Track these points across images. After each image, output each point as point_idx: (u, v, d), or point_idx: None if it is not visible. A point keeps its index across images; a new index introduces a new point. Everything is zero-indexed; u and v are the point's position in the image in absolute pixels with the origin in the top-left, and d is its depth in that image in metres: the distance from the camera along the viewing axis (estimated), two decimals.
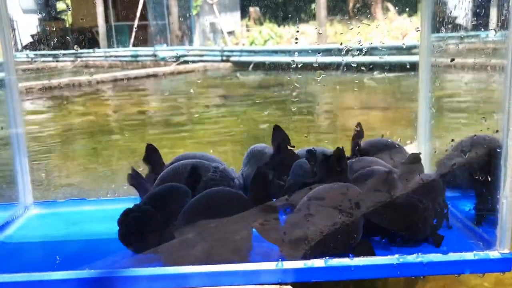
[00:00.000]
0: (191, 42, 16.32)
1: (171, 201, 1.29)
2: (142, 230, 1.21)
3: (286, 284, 1.15)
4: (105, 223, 1.49)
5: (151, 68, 9.29)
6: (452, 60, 1.51)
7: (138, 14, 13.69)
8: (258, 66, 9.28)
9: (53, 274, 1.11)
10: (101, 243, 1.35)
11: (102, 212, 1.59)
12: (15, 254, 1.31)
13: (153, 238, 1.21)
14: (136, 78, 8.28)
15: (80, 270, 1.12)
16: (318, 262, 1.16)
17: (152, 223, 1.22)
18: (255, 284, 1.15)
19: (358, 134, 1.61)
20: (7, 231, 1.44)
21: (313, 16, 15.11)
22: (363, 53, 1.46)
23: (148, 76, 8.59)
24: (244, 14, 16.98)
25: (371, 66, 1.43)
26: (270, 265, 1.16)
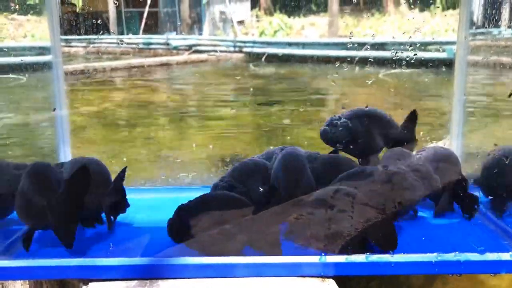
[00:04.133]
0: (200, 31, 16.29)
1: None
2: None
3: (328, 277, 1.18)
4: (147, 211, 1.55)
5: (164, 56, 9.29)
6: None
7: (149, 0, 13.65)
8: (271, 57, 9.28)
9: (106, 260, 1.15)
10: (145, 231, 1.39)
11: (143, 201, 1.64)
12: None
13: None
14: (150, 66, 8.31)
15: (131, 257, 1.16)
16: (360, 257, 1.19)
17: None
18: (297, 276, 1.18)
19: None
20: None
21: (324, 8, 15.05)
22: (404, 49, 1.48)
23: (162, 64, 8.60)
24: (255, 3, 16.91)
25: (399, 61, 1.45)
26: (313, 258, 1.19)
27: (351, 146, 1.57)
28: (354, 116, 1.60)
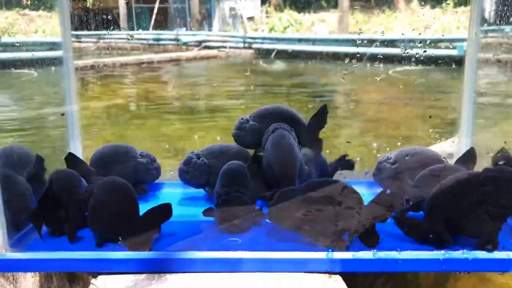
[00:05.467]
0: (210, 27, 16.29)
1: None
2: None
3: (334, 273, 1.19)
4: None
5: (173, 52, 9.32)
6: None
7: None
8: (281, 53, 9.26)
9: (115, 254, 1.16)
10: None
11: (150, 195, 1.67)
12: None
13: None
14: (160, 61, 8.34)
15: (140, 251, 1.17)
16: (367, 254, 1.19)
17: None
18: (305, 272, 1.18)
19: None
20: None
21: (334, 4, 14.96)
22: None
23: (172, 60, 8.62)
24: (265, 0, 16.87)
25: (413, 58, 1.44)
26: (320, 255, 1.19)
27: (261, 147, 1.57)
28: (261, 117, 1.61)
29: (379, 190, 1.60)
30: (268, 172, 1.48)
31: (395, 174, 1.58)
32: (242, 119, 1.61)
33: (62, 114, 1.61)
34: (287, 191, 1.30)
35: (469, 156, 1.55)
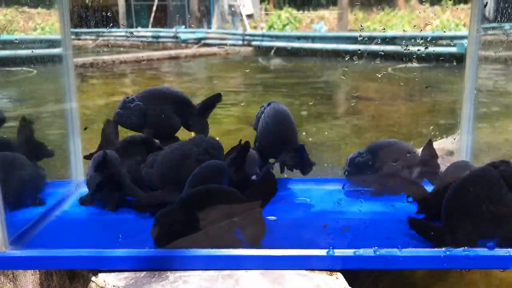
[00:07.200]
0: (209, 24, 16.28)
1: None
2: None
3: (336, 270, 1.18)
4: None
5: (172, 50, 9.32)
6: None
7: None
8: (280, 51, 9.26)
9: (116, 251, 1.16)
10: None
11: None
12: (72, 229, 1.36)
13: None
14: (159, 59, 8.33)
15: (139, 249, 1.17)
16: (368, 252, 1.19)
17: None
18: (305, 269, 1.18)
19: None
20: (63, 207, 1.49)
21: (334, 1, 14.97)
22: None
23: (171, 58, 8.61)
24: None
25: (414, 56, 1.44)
26: (321, 252, 1.19)
27: (147, 129, 1.56)
28: (148, 97, 1.56)
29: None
30: (266, 140, 1.51)
31: (370, 169, 1.57)
32: (127, 98, 1.56)
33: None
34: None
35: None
